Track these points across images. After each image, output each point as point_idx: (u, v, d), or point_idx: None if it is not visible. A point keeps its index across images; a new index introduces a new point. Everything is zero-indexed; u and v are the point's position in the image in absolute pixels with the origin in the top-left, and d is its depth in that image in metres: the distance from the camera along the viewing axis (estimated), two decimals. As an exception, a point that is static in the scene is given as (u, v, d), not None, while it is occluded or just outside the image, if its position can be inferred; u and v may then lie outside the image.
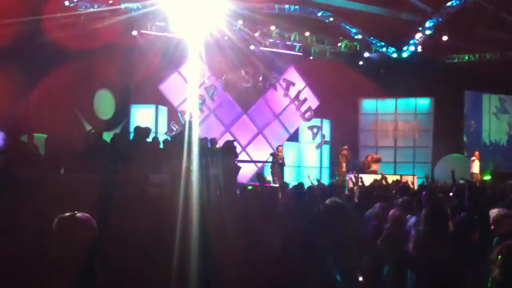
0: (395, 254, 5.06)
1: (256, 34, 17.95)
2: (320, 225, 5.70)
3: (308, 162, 18.81)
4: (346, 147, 17.17)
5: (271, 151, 17.44)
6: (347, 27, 18.25)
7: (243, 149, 17.47)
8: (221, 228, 6.20)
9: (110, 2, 15.18)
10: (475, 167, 17.43)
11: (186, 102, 16.96)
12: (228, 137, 16.04)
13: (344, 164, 16.94)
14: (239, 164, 12.71)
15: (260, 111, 18.34)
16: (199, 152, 11.58)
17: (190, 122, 11.73)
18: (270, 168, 16.25)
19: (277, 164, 15.92)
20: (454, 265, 4.15)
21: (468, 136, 20.64)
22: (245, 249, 5.64)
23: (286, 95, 18.74)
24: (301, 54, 18.99)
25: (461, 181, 12.51)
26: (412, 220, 5.87)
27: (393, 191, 9.60)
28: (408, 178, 15.55)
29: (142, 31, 16.84)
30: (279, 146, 17.04)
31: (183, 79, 17.04)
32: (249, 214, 7.08)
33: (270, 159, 16.53)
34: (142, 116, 16.28)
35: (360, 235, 5.82)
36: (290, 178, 16.62)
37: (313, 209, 7.22)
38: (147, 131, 11.47)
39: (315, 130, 19.01)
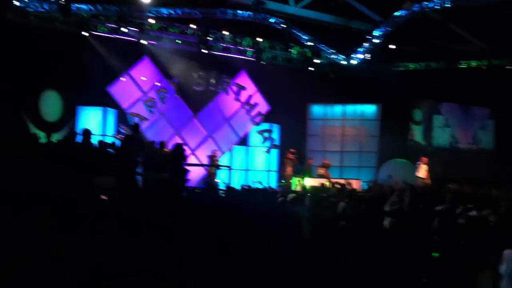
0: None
1: (209, 38, 18.02)
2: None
3: (256, 166, 19.01)
4: (293, 151, 17.48)
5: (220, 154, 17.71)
6: (299, 33, 18.54)
7: (192, 152, 17.51)
8: (169, 231, 6.26)
9: (61, 2, 14.96)
10: (422, 172, 18.02)
11: (135, 104, 16.90)
12: (177, 140, 16.09)
13: (290, 168, 17.23)
14: (187, 167, 12.76)
15: (210, 115, 18.44)
16: (147, 155, 11.62)
17: (137, 125, 11.75)
18: (206, 171, 16.56)
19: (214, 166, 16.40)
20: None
21: (416, 142, 21.47)
22: (193, 250, 5.72)
23: (237, 99, 18.89)
24: (252, 59, 19.18)
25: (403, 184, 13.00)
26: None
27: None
28: (354, 182, 16.03)
29: (93, 32, 16.66)
30: (215, 150, 17.37)
31: (133, 81, 16.96)
32: (196, 216, 7.17)
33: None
34: (89, 118, 16.09)
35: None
36: (238, 181, 16.87)
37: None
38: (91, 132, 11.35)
39: (266, 134, 19.23)
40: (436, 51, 19.54)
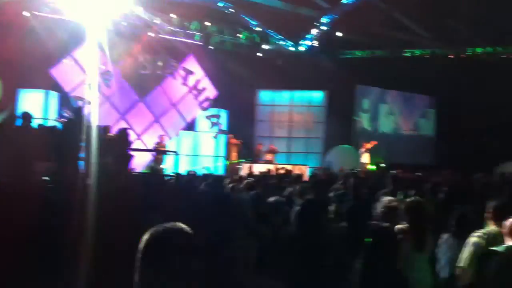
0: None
1: (156, 21, 17.69)
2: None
3: (204, 151, 18.91)
4: (235, 135, 17.60)
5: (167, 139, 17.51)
6: (247, 19, 18.48)
7: (138, 137, 17.26)
8: (109, 218, 6.15)
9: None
10: (365, 158, 18.45)
11: (79, 87, 16.43)
12: (123, 125, 15.80)
13: (234, 154, 17.24)
14: (132, 152, 12.55)
15: (157, 99, 18.20)
16: (90, 140, 11.32)
17: (80, 108, 11.42)
18: (153, 156, 16.45)
19: (160, 151, 16.30)
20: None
21: (363, 129, 21.93)
22: (131, 238, 5.65)
23: (184, 84, 18.69)
24: (200, 43, 18.97)
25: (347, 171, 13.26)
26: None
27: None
28: (301, 168, 16.19)
29: (35, 12, 16.05)
30: (162, 135, 17.22)
31: (76, 64, 16.48)
32: (137, 203, 7.07)
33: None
34: (30, 101, 15.55)
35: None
36: (185, 167, 16.75)
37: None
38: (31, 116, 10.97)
39: (214, 119, 19.13)
40: (381, 39, 19.89)
